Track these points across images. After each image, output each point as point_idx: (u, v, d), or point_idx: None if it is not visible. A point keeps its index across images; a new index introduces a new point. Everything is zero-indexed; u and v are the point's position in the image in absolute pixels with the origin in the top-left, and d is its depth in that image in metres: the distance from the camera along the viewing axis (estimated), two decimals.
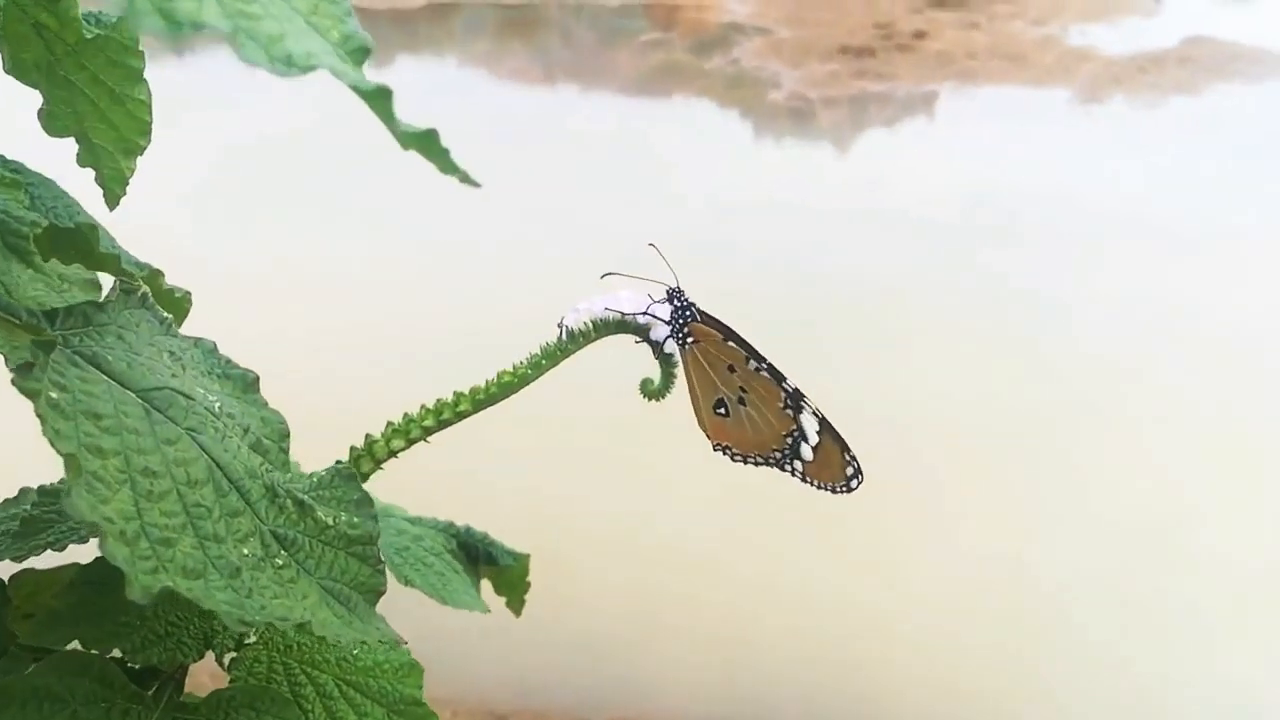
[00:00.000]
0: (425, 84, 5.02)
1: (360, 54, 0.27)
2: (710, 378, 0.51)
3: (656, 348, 0.48)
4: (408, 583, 0.54)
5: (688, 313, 0.50)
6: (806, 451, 0.53)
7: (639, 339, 0.48)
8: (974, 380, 2.52)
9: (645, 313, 0.47)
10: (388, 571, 0.58)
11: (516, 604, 0.67)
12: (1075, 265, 3.13)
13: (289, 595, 0.38)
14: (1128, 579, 1.97)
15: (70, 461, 0.31)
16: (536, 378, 0.46)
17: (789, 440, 0.52)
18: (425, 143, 0.26)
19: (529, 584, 0.66)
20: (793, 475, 0.54)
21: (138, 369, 0.38)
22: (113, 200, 0.49)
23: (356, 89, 0.25)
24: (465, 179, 0.27)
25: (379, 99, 0.26)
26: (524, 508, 2.07)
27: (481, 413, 0.50)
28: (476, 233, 3.21)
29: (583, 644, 1.85)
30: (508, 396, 0.46)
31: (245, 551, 0.37)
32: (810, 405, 0.52)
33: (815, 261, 3.11)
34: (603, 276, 0.51)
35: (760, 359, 0.52)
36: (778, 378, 0.52)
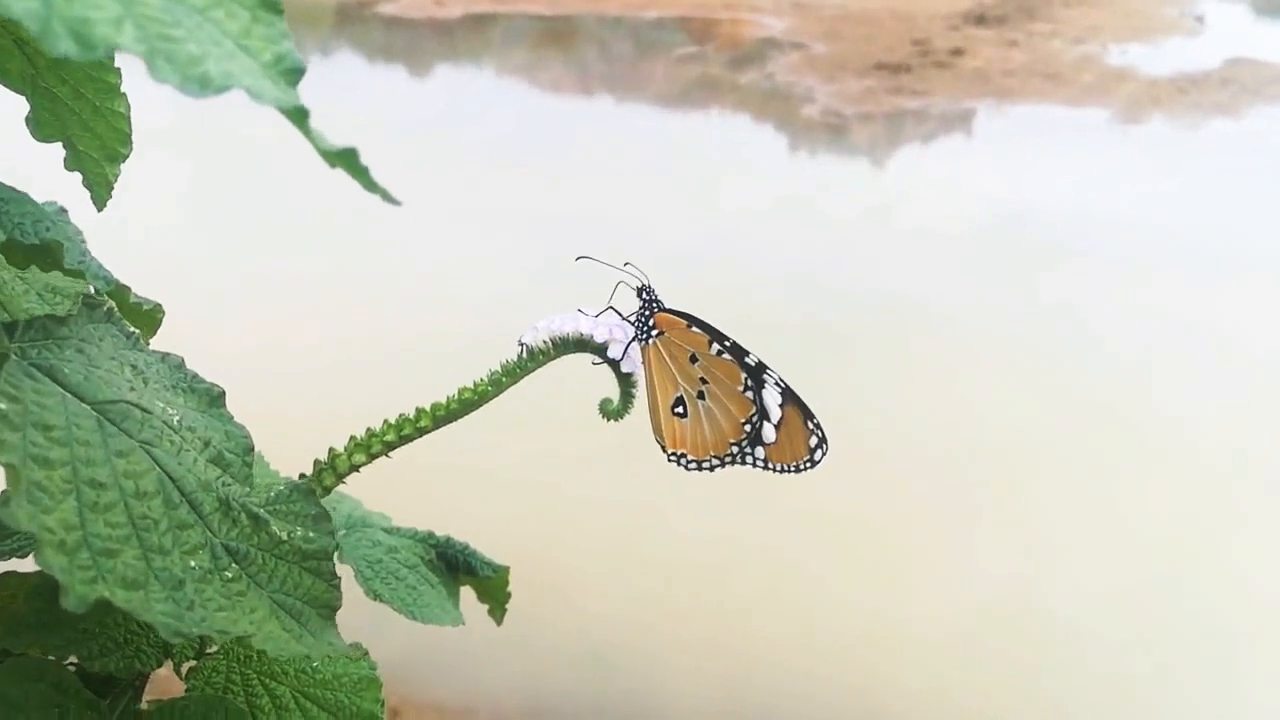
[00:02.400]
0: (464, 93, 5.06)
1: (293, 75, 0.28)
2: (671, 373, 0.51)
3: (615, 366, 0.49)
4: (376, 597, 0.54)
5: (653, 305, 0.50)
6: (769, 432, 0.52)
7: (598, 359, 0.49)
8: (997, 397, 2.51)
9: (605, 332, 0.47)
10: (360, 586, 0.58)
11: (498, 613, 0.67)
12: (1109, 285, 3.10)
13: (235, 608, 0.38)
14: (1145, 599, 1.94)
15: (11, 472, 0.32)
16: (497, 394, 0.47)
17: (748, 428, 0.52)
18: (346, 160, 0.27)
19: (509, 594, 0.66)
20: (754, 466, 0.53)
21: (95, 381, 0.39)
22: (100, 203, 0.51)
23: (277, 108, 0.26)
24: (386, 197, 0.28)
25: (297, 117, 0.26)
26: (534, 520, 2.08)
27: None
28: (505, 243, 3.22)
29: (594, 656, 1.85)
30: (469, 413, 0.46)
31: (193, 564, 0.38)
32: (773, 377, 0.52)
33: (847, 276, 3.11)
34: (577, 259, 0.52)
35: (723, 339, 0.52)
36: (739, 355, 0.52)
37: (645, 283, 0.50)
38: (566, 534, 2.07)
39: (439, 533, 0.67)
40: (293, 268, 3.02)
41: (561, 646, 1.86)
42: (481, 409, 0.48)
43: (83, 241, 0.56)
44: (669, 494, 2.12)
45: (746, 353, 0.52)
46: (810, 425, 0.53)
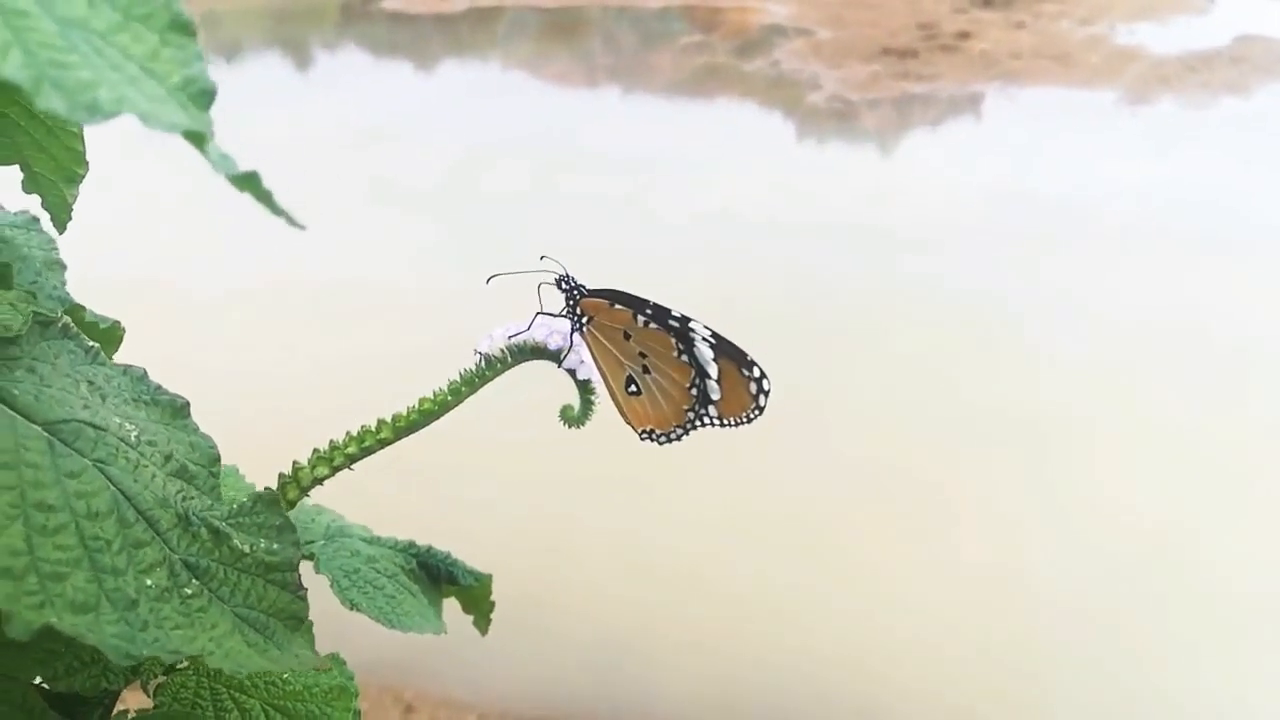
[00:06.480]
0: (469, 87, 5.06)
1: (203, 97, 0.27)
2: (613, 354, 0.50)
3: (572, 374, 0.48)
4: (354, 606, 0.54)
5: (576, 292, 0.50)
6: (713, 389, 0.51)
7: (557, 365, 0.48)
8: (1006, 383, 2.49)
9: (559, 338, 0.47)
10: (337, 596, 0.58)
11: (482, 623, 0.66)
12: (1117, 268, 3.07)
13: (195, 625, 0.38)
14: (1123, 592, 1.93)
15: None
16: (457, 404, 0.46)
17: (694, 391, 0.51)
18: (250, 184, 0.26)
19: (493, 604, 0.65)
20: (713, 425, 0.52)
21: (46, 401, 0.38)
22: (60, 225, 0.50)
23: (172, 132, 0.25)
24: (290, 221, 0.27)
25: (196, 141, 0.26)
26: (546, 518, 2.08)
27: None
28: (512, 236, 3.22)
29: (602, 650, 1.86)
30: (429, 423, 0.46)
31: (149, 582, 0.37)
32: (700, 333, 0.51)
33: (855, 262, 3.09)
34: (488, 280, 0.51)
35: (644, 308, 0.50)
36: (663, 319, 0.51)
37: (564, 273, 0.50)
38: (576, 530, 2.07)
39: (420, 542, 0.66)
40: (278, 271, 3.01)
41: (572, 640, 1.87)
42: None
43: (53, 250, 0.55)
44: (662, 502, 2.12)
45: (669, 313, 0.50)
46: (746, 373, 0.51)
